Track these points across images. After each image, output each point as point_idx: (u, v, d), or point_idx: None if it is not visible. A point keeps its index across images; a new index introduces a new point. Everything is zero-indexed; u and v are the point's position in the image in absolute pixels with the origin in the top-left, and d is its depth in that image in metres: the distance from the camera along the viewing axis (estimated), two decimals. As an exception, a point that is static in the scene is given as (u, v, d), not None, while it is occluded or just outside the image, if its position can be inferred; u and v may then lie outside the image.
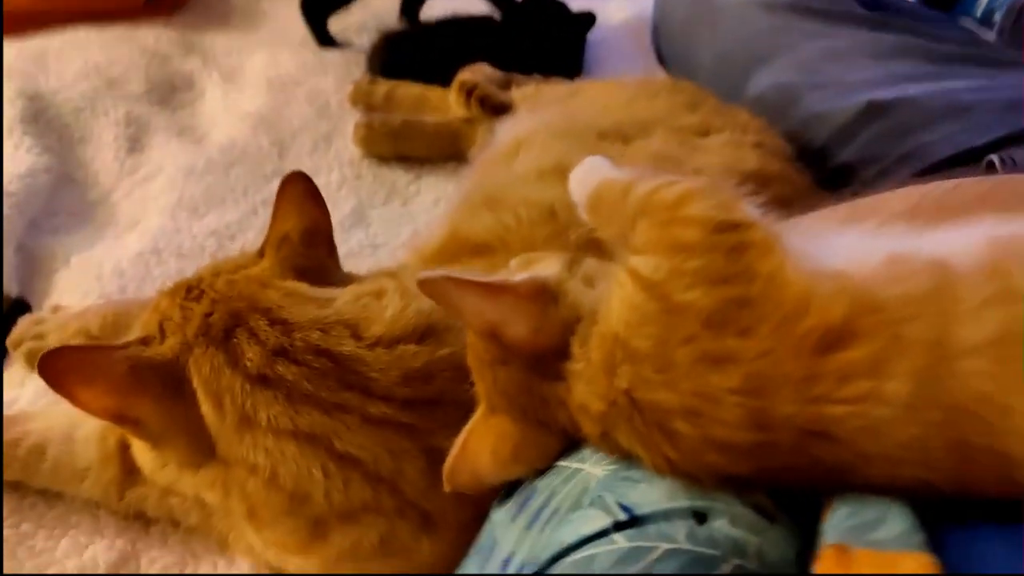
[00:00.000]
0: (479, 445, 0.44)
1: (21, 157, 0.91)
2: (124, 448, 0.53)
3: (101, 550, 0.53)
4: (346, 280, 0.54)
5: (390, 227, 0.86)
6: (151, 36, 1.25)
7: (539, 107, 0.91)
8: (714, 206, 0.39)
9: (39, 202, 0.86)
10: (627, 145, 0.74)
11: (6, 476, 0.55)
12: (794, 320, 0.35)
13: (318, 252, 0.54)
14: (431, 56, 1.11)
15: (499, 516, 0.45)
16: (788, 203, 0.69)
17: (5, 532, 0.54)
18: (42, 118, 1.01)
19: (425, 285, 0.42)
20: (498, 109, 0.95)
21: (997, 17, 1.39)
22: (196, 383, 0.47)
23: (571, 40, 1.22)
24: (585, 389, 0.39)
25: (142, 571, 0.53)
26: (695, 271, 0.37)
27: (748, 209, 0.40)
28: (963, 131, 0.77)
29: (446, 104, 1.02)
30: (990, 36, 1.34)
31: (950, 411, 0.32)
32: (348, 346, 0.47)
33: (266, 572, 0.52)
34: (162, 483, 0.51)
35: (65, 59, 1.16)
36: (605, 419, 0.39)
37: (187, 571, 0.53)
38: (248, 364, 0.46)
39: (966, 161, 0.74)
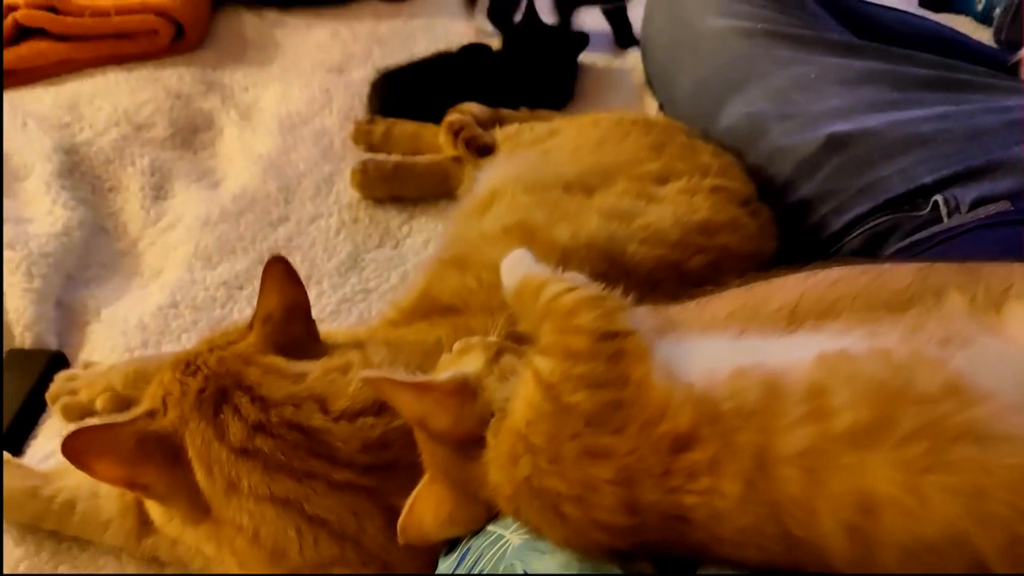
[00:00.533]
0: (423, 508, 0.52)
1: (58, 213, 1.01)
2: (139, 503, 0.62)
3: (124, 589, 0.64)
4: (320, 351, 0.62)
5: (382, 271, 0.94)
6: (175, 76, 1.35)
7: (519, 149, 0.98)
8: (599, 316, 0.45)
9: (74, 258, 0.96)
10: (589, 197, 0.80)
11: (44, 526, 0.66)
12: (654, 424, 0.41)
13: (296, 329, 0.61)
14: (425, 92, 1.18)
15: (443, 567, 0.53)
16: (733, 252, 0.75)
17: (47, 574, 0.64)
18: (77, 171, 1.12)
19: (368, 382, 0.49)
20: (483, 151, 1.02)
21: (996, 13, 1.38)
22: (191, 454, 0.55)
23: (563, 65, 1.27)
24: (498, 474, 0.46)
25: (157, 607, 0.63)
26: (580, 376, 0.44)
27: (629, 319, 0.46)
28: (918, 164, 0.80)
29: (439, 142, 1.09)
30: (987, 35, 1.34)
31: (773, 508, 0.38)
32: (317, 420, 0.55)
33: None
34: (170, 534, 0.60)
35: (96, 105, 1.26)
36: (514, 500, 0.46)
37: (194, 608, 0.63)
38: (232, 438, 0.55)
39: (917, 197, 0.78)
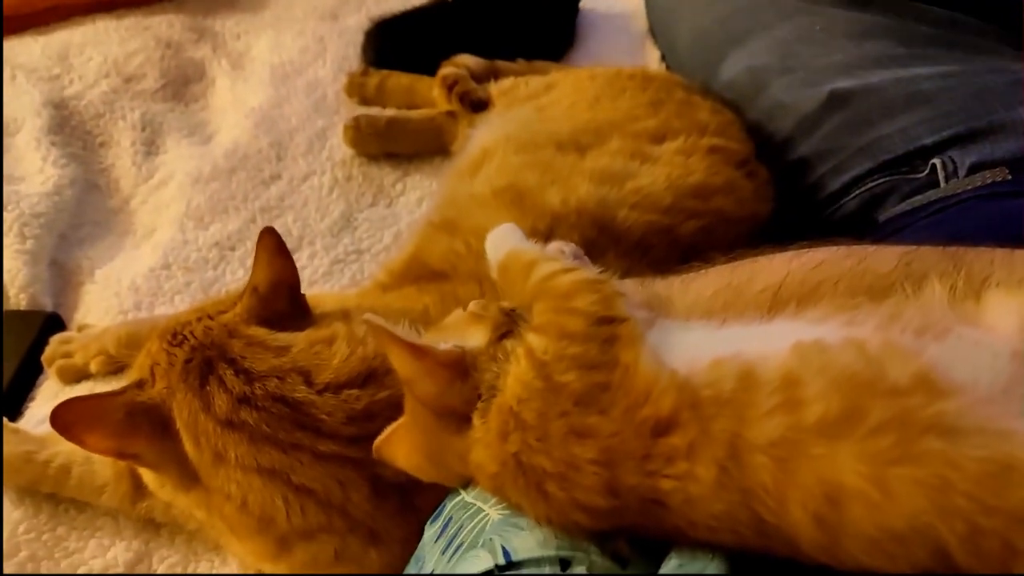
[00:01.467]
0: (397, 446, 0.52)
1: (49, 172, 1.00)
2: (133, 467, 0.63)
3: (121, 550, 0.65)
4: (306, 323, 0.62)
5: (375, 230, 0.93)
6: (165, 23, 1.32)
7: (513, 104, 0.96)
8: (597, 301, 0.45)
9: (67, 217, 0.96)
10: (582, 157, 0.79)
11: (42, 489, 0.68)
12: (638, 407, 0.41)
13: (280, 304, 0.61)
14: (421, 42, 1.15)
15: (428, 535, 0.54)
16: (728, 216, 0.74)
17: (44, 536, 0.66)
18: (67, 126, 1.10)
19: (369, 326, 0.49)
20: (477, 105, 0.99)
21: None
22: (179, 424, 0.56)
23: (560, 15, 1.23)
24: (483, 452, 0.46)
25: (154, 568, 0.65)
26: (573, 356, 0.44)
27: (626, 305, 0.45)
28: (919, 124, 0.78)
29: (433, 96, 1.06)
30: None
31: (745, 494, 0.38)
32: (301, 392, 0.56)
33: (252, 572, 0.63)
34: (164, 499, 0.61)
35: (86, 56, 1.24)
36: (498, 478, 0.46)
37: (190, 569, 0.65)
38: (217, 410, 0.55)
39: (916, 158, 0.76)
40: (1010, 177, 0.66)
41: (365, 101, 1.12)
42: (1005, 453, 0.33)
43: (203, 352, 0.57)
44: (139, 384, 0.58)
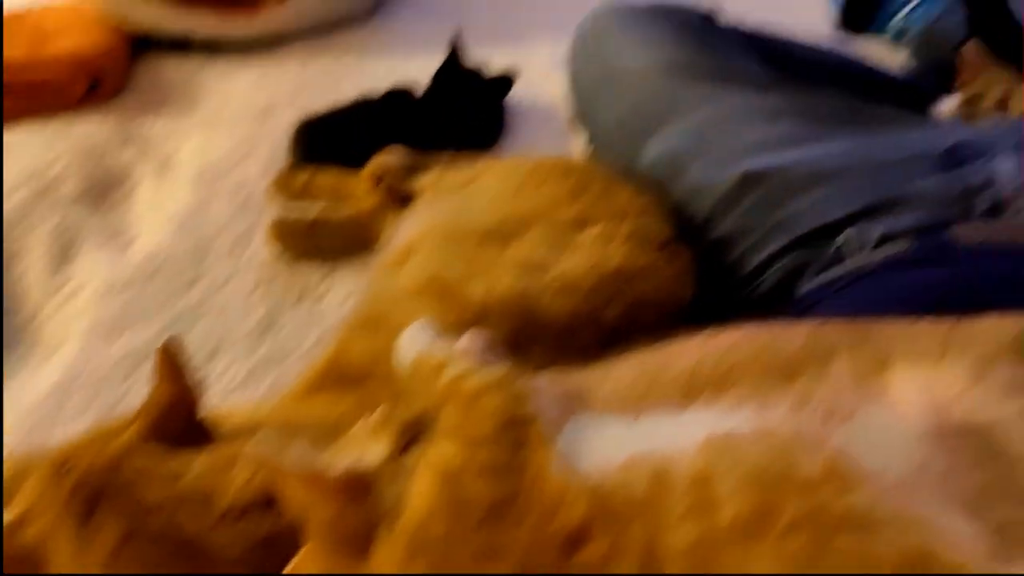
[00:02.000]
0: None
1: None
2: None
3: None
4: (207, 443, 0.58)
5: (299, 332, 0.90)
6: (90, 128, 1.30)
7: (439, 196, 0.95)
8: (506, 400, 0.43)
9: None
10: (505, 247, 0.78)
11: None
12: (548, 518, 0.38)
13: (177, 425, 0.57)
14: (348, 140, 1.15)
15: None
16: (650, 300, 0.74)
17: None
18: (-21, 241, 1.06)
19: (254, 463, 0.45)
20: (404, 198, 0.99)
21: (911, 35, 1.42)
22: (57, 566, 0.51)
23: (488, 107, 1.25)
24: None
25: None
26: (481, 463, 0.41)
27: (536, 403, 0.43)
28: (828, 199, 0.81)
29: (360, 190, 1.06)
30: (899, 58, 1.37)
31: (666, 608, 0.35)
32: (195, 523, 0.51)
33: None
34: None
35: (4, 163, 1.21)
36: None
37: None
38: (101, 550, 0.50)
39: (826, 233, 0.78)
40: (916, 245, 0.68)
41: (293, 198, 1.11)
42: (920, 543, 0.31)
43: (89, 482, 0.52)
44: (17, 524, 0.53)
